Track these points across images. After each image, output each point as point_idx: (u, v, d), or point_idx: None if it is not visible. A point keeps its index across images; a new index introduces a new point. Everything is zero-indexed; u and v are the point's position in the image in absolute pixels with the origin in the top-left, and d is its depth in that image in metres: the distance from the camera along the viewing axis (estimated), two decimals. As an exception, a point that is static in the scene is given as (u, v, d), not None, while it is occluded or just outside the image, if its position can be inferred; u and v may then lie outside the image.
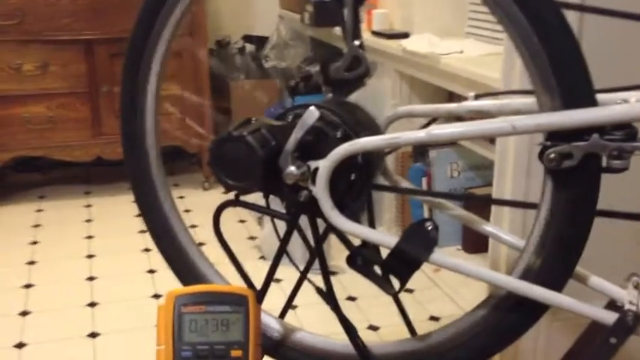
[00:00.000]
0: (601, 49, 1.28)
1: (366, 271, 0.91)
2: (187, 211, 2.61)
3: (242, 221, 2.53)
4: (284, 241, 0.98)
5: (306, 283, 1.06)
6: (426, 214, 2.25)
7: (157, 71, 1.04)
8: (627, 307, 0.81)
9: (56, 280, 2.10)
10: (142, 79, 1.04)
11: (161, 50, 1.04)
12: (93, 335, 1.79)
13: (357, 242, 0.93)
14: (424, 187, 2.25)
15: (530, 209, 0.87)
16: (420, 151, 2.27)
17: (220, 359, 0.82)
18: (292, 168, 0.88)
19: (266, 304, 1.03)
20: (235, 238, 2.37)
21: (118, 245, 2.33)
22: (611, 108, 0.75)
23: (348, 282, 2.00)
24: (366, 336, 1.76)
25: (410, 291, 1.99)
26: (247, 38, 3.11)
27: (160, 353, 0.84)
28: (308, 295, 1.07)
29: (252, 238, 2.39)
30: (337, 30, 2.23)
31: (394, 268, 0.88)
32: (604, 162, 0.78)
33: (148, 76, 1.04)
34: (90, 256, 2.26)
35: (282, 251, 0.98)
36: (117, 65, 2.60)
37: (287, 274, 1.11)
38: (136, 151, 1.07)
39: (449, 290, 2.00)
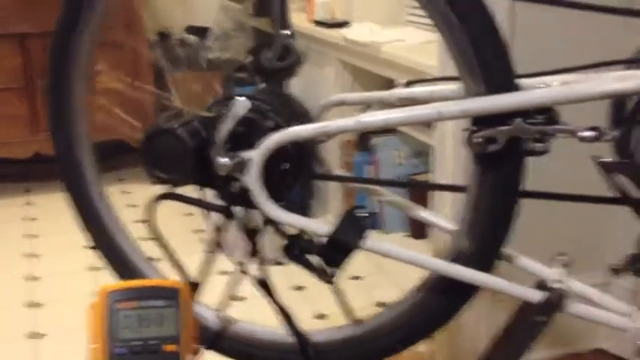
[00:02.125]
0: (532, 35, 1.30)
1: (302, 260, 0.91)
2: (133, 205, 2.57)
3: (189, 214, 2.50)
4: (219, 233, 0.98)
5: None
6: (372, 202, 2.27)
7: (84, 62, 1.02)
8: (554, 285, 0.84)
9: (-4, 280, 2.05)
10: (68, 70, 1.02)
11: (88, 38, 1.01)
12: (35, 336, 1.75)
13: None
14: (368, 175, 2.27)
15: (463, 193, 0.88)
16: (364, 139, 2.28)
17: (154, 354, 0.81)
18: (224, 159, 0.87)
19: (211, 297, 1.02)
20: (182, 231, 2.34)
21: (60, 243, 2.28)
22: (532, 92, 0.77)
23: (295, 272, 2.00)
24: (313, 325, 1.77)
25: (356, 277, 2.00)
26: (189, 29, 3.07)
27: (94, 352, 0.83)
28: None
29: (198, 231, 2.37)
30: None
31: (329, 256, 0.89)
32: (528, 145, 0.79)
33: (75, 67, 1.02)
34: (31, 255, 2.21)
35: (216, 243, 0.97)
36: (54, 59, 2.54)
37: (233, 265, 1.11)
38: (65, 145, 1.05)
39: (396, 276, 2.03)
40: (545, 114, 0.78)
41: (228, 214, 0.96)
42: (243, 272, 1.02)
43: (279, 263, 2.00)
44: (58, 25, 1.00)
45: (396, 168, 2.27)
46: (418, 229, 2.21)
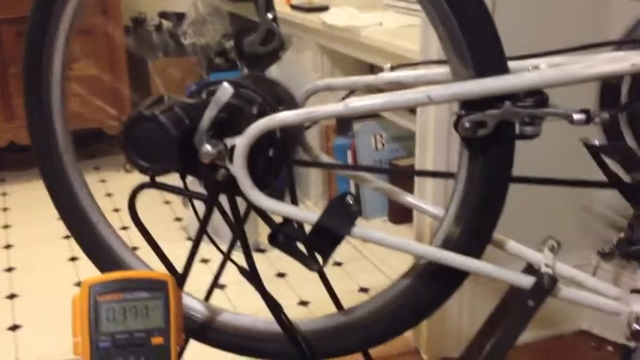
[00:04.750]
0: (514, 17, 1.30)
1: (288, 248, 0.90)
2: (109, 194, 2.53)
3: (167, 202, 2.47)
4: (204, 222, 0.96)
5: (234, 262, 1.04)
6: (352, 187, 2.26)
7: (62, 48, 0.99)
8: (543, 269, 0.83)
9: (-28, 273, 2.01)
10: (45, 57, 0.99)
11: (65, 25, 0.98)
12: (14, 328, 1.72)
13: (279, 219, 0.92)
14: (349, 160, 2.26)
15: (450, 179, 0.87)
16: (344, 124, 2.27)
17: (140, 347, 0.79)
18: (208, 147, 0.85)
19: (194, 286, 1.00)
20: (161, 220, 2.32)
21: (37, 233, 2.25)
22: (522, 75, 0.76)
23: (277, 258, 1.99)
24: (296, 312, 1.77)
25: (338, 264, 2.00)
26: (164, 15, 3.02)
27: (77, 345, 0.81)
28: (237, 273, 1.05)
29: (178, 219, 2.35)
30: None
31: (317, 244, 0.87)
32: (517, 129, 0.79)
33: (53, 52, 0.99)
34: (8, 246, 2.17)
35: (202, 232, 0.96)
36: (26, 45, 2.48)
37: (215, 254, 1.09)
38: (43, 134, 1.02)
39: (377, 261, 2.02)
40: (535, 97, 0.77)
41: (212, 203, 0.95)
42: (231, 261, 1.00)
43: (260, 250, 2.00)
44: (37, 5, 0.97)
45: (376, 153, 2.27)
46: (397, 215, 2.21)
